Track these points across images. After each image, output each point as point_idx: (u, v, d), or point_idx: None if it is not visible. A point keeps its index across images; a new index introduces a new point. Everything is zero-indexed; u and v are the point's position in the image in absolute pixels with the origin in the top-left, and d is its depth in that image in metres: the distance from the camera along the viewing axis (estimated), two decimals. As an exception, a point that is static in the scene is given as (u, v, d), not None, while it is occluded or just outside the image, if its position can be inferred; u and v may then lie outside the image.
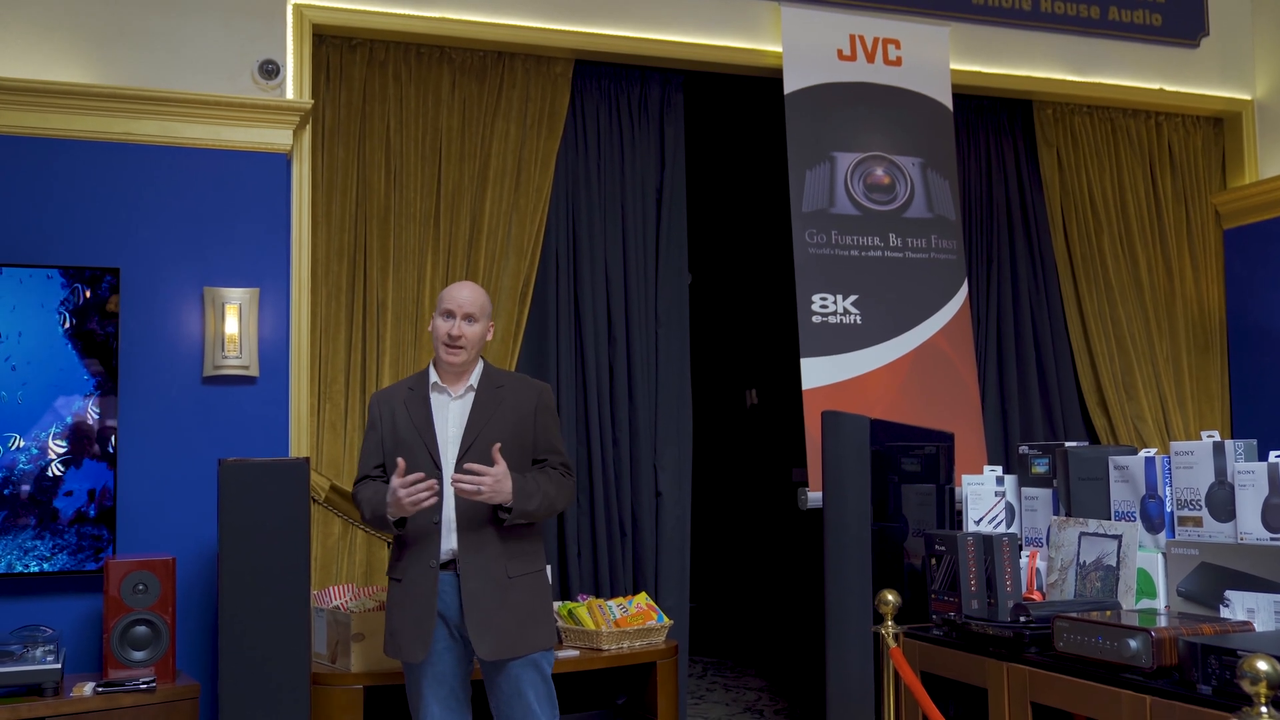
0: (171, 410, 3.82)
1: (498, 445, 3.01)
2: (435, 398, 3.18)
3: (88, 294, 3.64)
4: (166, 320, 3.83)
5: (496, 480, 2.97)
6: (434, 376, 3.20)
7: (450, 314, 3.13)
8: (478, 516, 3.07)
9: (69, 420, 3.61)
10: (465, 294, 3.16)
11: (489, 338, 3.25)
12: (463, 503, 3.05)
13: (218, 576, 3.40)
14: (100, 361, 3.65)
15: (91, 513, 3.63)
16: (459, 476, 2.96)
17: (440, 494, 3.04)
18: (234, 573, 3.36)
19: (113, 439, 3.66)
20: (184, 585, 3.71)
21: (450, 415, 3.16)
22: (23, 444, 3.57)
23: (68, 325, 3.62)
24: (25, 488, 3.57)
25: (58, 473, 3.60)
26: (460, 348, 3.12)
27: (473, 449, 3.08)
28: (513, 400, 3.19)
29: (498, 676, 3.11)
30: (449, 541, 3.08)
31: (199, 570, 3.77)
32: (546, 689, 3.14)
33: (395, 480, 2.97)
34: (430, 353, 4.21)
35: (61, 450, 3.61)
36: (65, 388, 3.62)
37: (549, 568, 3.50)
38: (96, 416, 3.65)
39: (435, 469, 3.08)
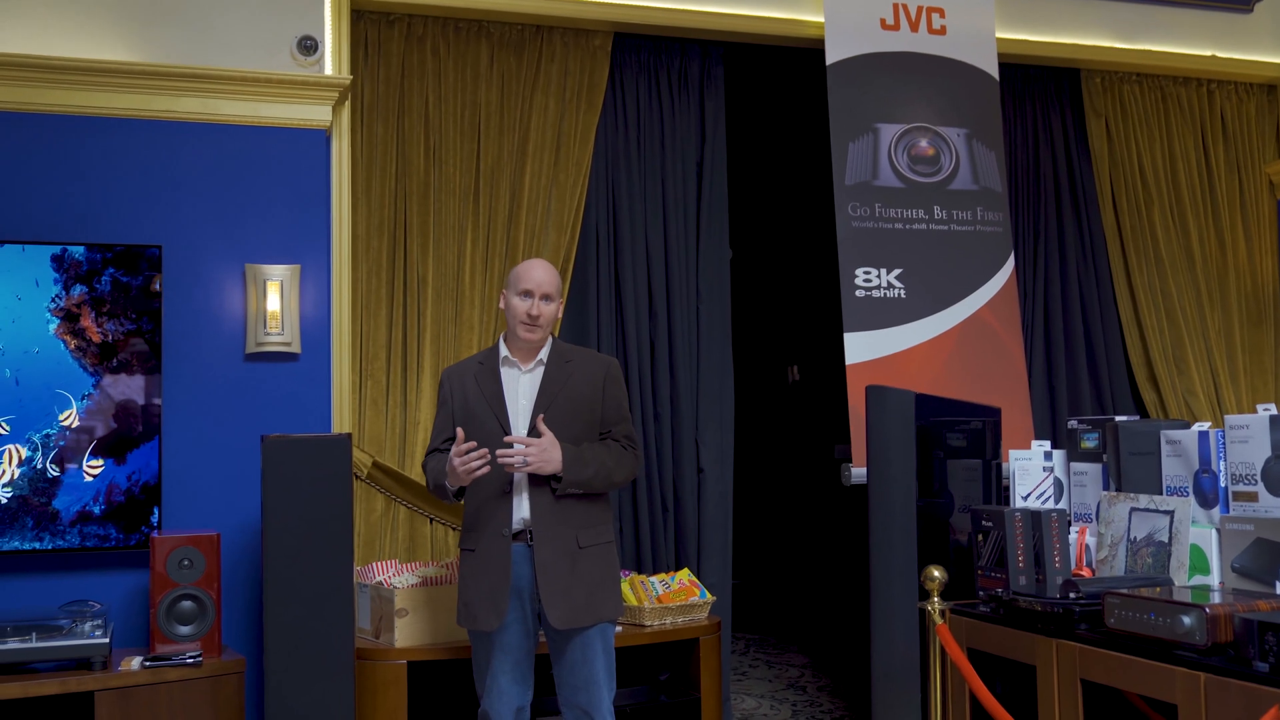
0: (215, 387, 3.85)
1: (541, 415, 3.07)
2: (506, 372, 3.23)
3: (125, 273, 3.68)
4: (209, 297, 3.86)
5: (543, 450, 3.02)
6: (504, 351, 3.25)
7: (528, 293, 3.17)
8: (548, 488, 3.12)
9: (116, 398, 3.66)
10: (542, 274, 3.20)
11: (560, 314, 3.30)
12: (535, 474, 3.10)
13: (262, 552, 3.43)
14: (145, 340, 3.69)
15: (137, 490, 3.67)
16: (502, 451, 3.00)
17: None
18: (278, 548, 3.39)
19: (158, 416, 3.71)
20: (228, 561, 3.75)
21: (521, 388, 3.22)
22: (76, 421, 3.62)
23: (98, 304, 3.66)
24: (72, 466, 3.62)
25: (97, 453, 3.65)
26: (539, 326, 3.18)
27: (546, 421, 3.13)
28: (581, 374, 3.24)
29: (566, 645, 3.16)
30: (520, 511, 3.13)
31: (243, 546, 3.81)
32: (609, 659, 3.21)
33: (453, 450, 3.02)
34: (469, 329, 4.24)
35: (109, 428, 3.66)
36: (112, 369, 3.66)
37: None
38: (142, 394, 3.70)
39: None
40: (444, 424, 3.26)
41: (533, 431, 3.12)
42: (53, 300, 3.61)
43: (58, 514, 3.59)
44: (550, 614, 3.09)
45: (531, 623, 3.18)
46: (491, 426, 3.13)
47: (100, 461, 3.64)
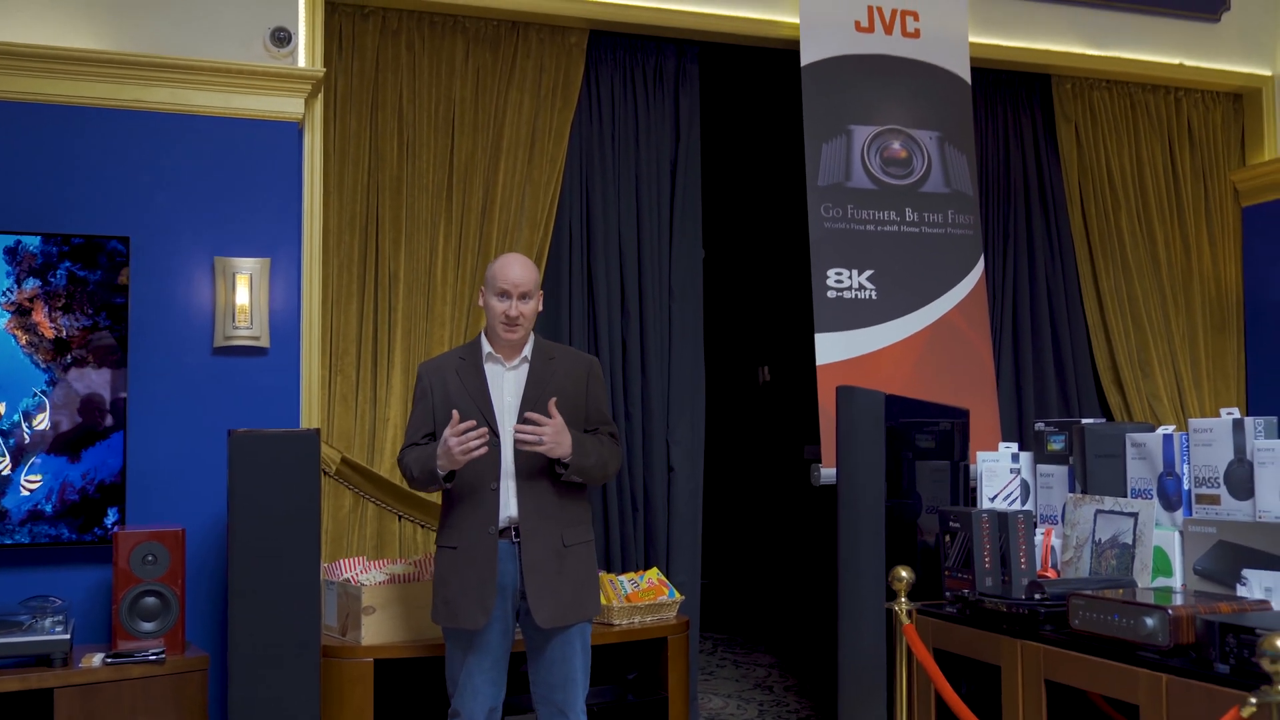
0: (182, 381, 3.82)
1: (554, 400, 3.06)
2: (490, 368, 3.22)
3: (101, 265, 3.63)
4: (177, 290, 3.83)
5: (556, 431, 3.03)
6: (487, 347, 3.24)
7: (506, 294, 3.15)
8: (536, 484, 3.12)
9: (81, 391, 3.62)
10: (519, 273, 3.17)
11: (540, 309, 3.29)
12: (521, 469, 3.11)
13: (228, 548, 3.40)
14: (110, 334, 3.65)
15: (92, 490, 3.62)
16: (520, 427, 3.00)
17: (498, 462, 3.10)
18: (244, 544, 3.36)
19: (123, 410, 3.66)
20: (194, 557, 3.72)
21: (506, 385, 3.21)
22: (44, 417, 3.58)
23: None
24: (20, 465, 3.57)
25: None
26: (519, 326, 3.17)
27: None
28: (565, 371, 3.25)
29: (547, 645, 3.17)
30: (508, 509, 3.13)
31: (209, 542, 3.78)
32: (586, 658, 3.23)
33: (448, 430, 2.99)
34: (441, 325, 4.23)
35: (71, 421, 3.61)
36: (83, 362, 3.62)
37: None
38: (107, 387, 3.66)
39: (493, 437, 3.10)
40: (422, 418, 3.23)
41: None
42: (3, 294, 3.53)
43: (6, 513, 3.52)
44: (537, 613, 3.09)
45: (510, 621, 3.17)
46: (477, 422, 3.10)
47: (49, 460, 3.56)
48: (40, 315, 3.57)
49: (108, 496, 3.62)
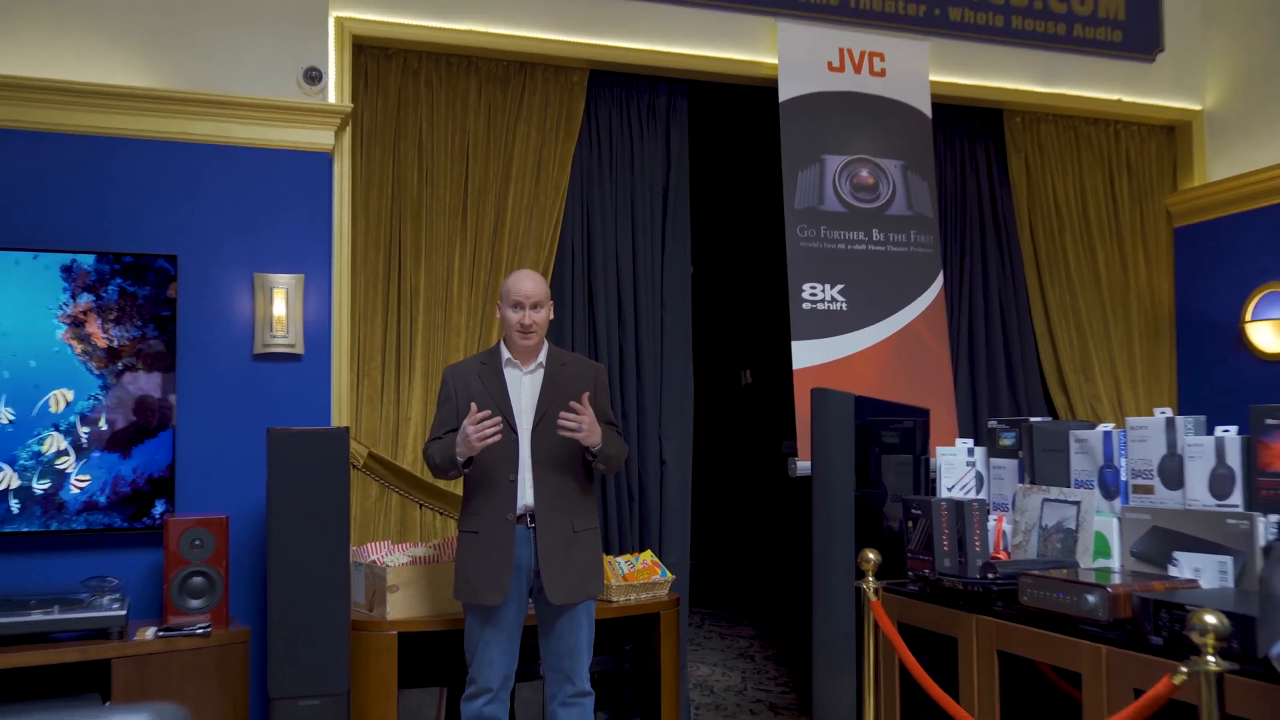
0: (225, 385, 3.81)
1: (587, 394, 3.10)
2: (509, 372, 3.23)
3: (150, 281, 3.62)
4: (220, 303, 3.82)
5: (591, 422, 3.06)
6: (506, 354, 3.25)
7: (519, 305, 3.18)
8: (548, 476, 3.15)
9: (135, 394, 3.61)
10: (530, 285, 3.20)
11: (552, 317, 3.31)
12: (536, 463, 3.14)
13: (267, 533, 3.40)
14: (160, 342, 3.64)
15: (142, 483, 3.61)
16: (565, 414, 3.03)
17: (516, 456, 3.13)
18: (281, 530, 3.36)
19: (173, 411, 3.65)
20: (236, 541, 3.71)
21: (524, 388, 3.23)
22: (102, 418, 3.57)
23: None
24: (80, 460, 3.56)
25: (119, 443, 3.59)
26: (533, 333, 3.19)
27: (547, 418, 3.16)
28: (575, 376, 3.27)
29: (557, 619, 3.19)
30: (524, 498, 3.15)
31: (250, 528, 3.77)
32: (590, 631, 3.26)
33: (466, 420, 3.01)
34: (457, 334, 4.22)
35: (128, 421, 3.60)
36: (138, 367, 3.61)
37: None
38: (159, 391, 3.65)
39: (512, 434, 3.14)
40: (447, 417, 3.23)
41: (536, 428, 3.16)
42: (61, 307, 3.52)
43: (65, 504, 3.51)
44: (549, 591, 3.11)
45: (524, 598, 3.18)
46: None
47: (104, 457, 3.55)
48: (93, 326, 3.56)
49: (156, 489, 3.61)
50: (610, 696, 3.98)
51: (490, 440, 3.01)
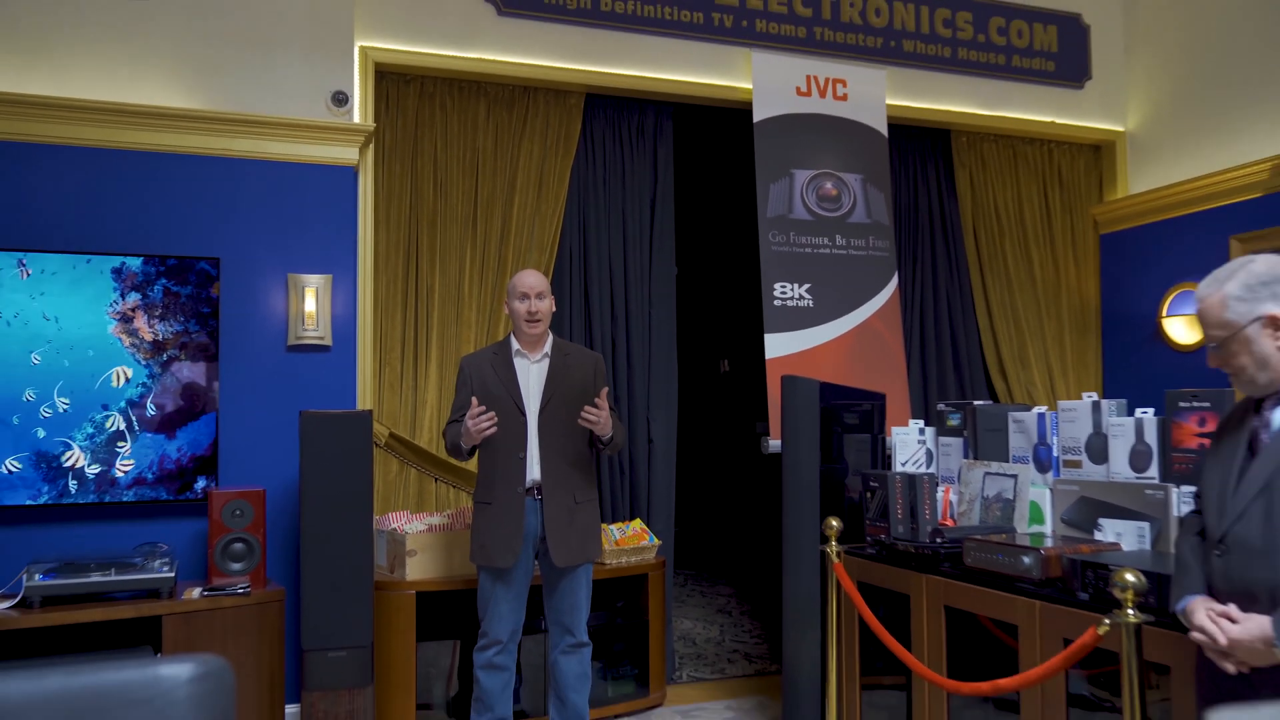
0: (262, 373, 3.81)
1: (606, 389, 3.16)
2: (518, 361, 3.25)
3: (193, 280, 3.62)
4: (258, 300, 3.82)
5: (607, 416, 3.12)
6: (516, 345, 3.26)
7: (525, 296, 3.21)
8: (553, 454, 3.17)
9: (182, 381, 3.60)
10: (533, 279, 3.24)
11: (554, 309, 3.32)
12: (544, 443, 3.17)
13: (299, 504, 3.40)
14: (204, 335, 3.63)
15: (185, 460, 3.62)
16: (588, 409, 3.08)
17: (525, 436, 3.16)
18: (312, 501, 3.36)
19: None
20: (272, 511, 3.72)
21: (531, 375, 3.24)
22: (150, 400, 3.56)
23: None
24: (129, 441, 3.56)
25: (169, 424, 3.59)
26: (538, 320, 3.21)
27: (552, 402, 3.19)
28: (577, 365, 3.28)
29: (560, 579, 3.21)
30: (532, 473, 3.17)
31: (284, 499, 3.77)
32: (589, 590, 3.29)
33: (468, 414, 3.05)
34: (467, 328, 4.22)
35: (176, 405, 3.60)
36: (185, 357, 3.60)
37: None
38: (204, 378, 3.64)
39: (520, 417, 3.17)
40: (463, 401, 3.24)
41: (543, 411, 3.18)
42: (110, 305, 3.51)
43: (117, 480, 3.51)
44: (554, 555, 3.14)
45: (531, 561, 3.20)
46: (508, 405, 3.16)
47: (153, 438, 3.55)
48: (140, 322, 3.55)
49: (199, 467, 3.61)
50: (604, 648, 3.99)
51: (487, 432, 3.04)
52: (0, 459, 3.37)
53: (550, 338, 3.29)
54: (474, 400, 3.06)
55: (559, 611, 3.23)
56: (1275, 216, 4.49)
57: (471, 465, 3.41)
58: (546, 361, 3.25)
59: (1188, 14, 5.05)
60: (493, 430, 3.04)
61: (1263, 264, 1.83)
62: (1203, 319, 1.88)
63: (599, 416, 3.08)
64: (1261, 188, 4.57)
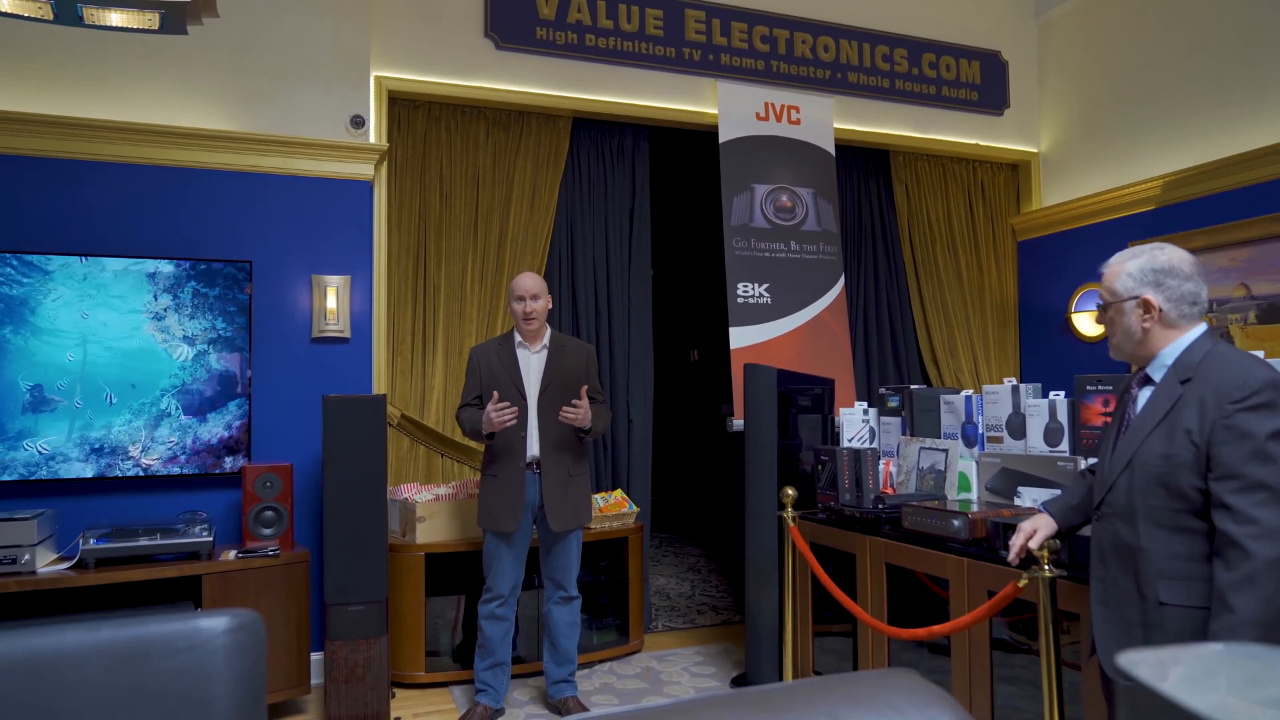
0: (289, 362, 3.76)
1: (585, 388, 3.13)
2: (520, 352, 3.23)
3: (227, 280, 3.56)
4: (284, 297, 3.77)
5: (586, 411, 3.09)
6: (518, 338, 3.25)
7: (522, 298, 3.19)
8: (550, 434, 3.16)
9: (218, 369, 3.55)
10: (529, 282, 3.21)
11: (550, 306, 3.29)
12: (543, 424, 3.16)
13: (322, 477, 3.36)
14: (233, 329, 3.58)
15: (215, 442, 3.57)
16: (567, 408, 3.06)
17: (525, 418, 3.14)
18: (333, 474, 3.33)
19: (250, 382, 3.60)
20: (299, 483, 3.68)
21: (531, 365, 3.23)
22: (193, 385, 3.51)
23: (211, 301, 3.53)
24: (169, 422, 3.50)
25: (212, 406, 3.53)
26: (534, 318, 3.19)
27: (550, 388, 3.18)
28: (572, 355, 3.27)
29: (556, 542, 3.22)
30: (532, 449, 3.16)
31: (309, 473, 3.74)
32: (579, 551, 3.30)
33: (489, 406, 3.03)
34: (470, 322, 4.19)
35: (213, 390, 3.54)
36: (222, 348, 3.55)
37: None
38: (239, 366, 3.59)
39: (522, 400, 3.16)
40: (473, 386, 3.24)
41: (542, 396, 3.16)
42: (145, 305, 3.45)
43: (161, 456, 3.45)
44: (551, 520, 3.13)
45: (530, 526, 3.20)
46: (511, 392, 3.15)
47: (189, 421, 3.50)
48: (182, 317, 3.49)
49: (230, 447, 3.56)
50: (590, 602, 3.99)
51: (507, 424, 3.03)
52: (61, 438, 3.31)
53: (548, 331, 3.27)
54: (495, 394, 3.06)
55: (553, 569, 3.23)
56: (1167, 226, 4.54)
57: (476, 442, 3.39)
58: (545, 352, 3.24)
59: (1092, 53, 5.08)
60: (513, 422, 3.04)
61: (1166, 257, 1.77)
62: (1102, 281, 1.85)
63: (577, 414, 3.07)
64: (1154, 201, 4.61)
